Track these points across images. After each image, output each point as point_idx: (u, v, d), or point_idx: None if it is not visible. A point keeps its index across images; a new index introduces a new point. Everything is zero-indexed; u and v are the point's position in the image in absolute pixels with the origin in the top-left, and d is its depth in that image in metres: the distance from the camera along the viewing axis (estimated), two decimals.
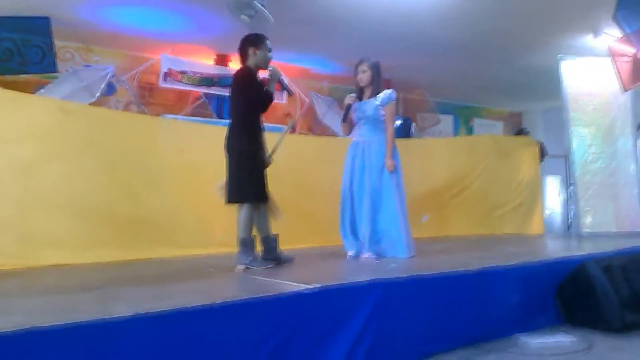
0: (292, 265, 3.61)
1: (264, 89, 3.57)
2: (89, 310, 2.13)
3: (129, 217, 4.26)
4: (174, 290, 2.75)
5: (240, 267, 3.38)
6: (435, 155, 6.42)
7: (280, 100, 7.76)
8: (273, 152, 3.71)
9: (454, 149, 6.71)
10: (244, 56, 3.61)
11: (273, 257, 3.55)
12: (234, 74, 3.67)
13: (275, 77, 3.66)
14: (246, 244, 3.43)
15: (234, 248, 3.49)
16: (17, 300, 2.55)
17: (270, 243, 3.59)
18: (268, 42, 3.63)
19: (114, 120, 4.75)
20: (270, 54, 3.63)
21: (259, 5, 3.57)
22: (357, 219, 4.09)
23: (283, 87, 3.80)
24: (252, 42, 3.61)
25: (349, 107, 4.15)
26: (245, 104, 3.52)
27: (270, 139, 3.71)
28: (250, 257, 3.41)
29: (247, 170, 3.44)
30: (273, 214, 3.67)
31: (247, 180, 3.44)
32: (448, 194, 6.35)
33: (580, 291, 3.35)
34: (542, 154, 6.72)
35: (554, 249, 5.09)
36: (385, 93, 4.11)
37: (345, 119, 4.21)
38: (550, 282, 3.48)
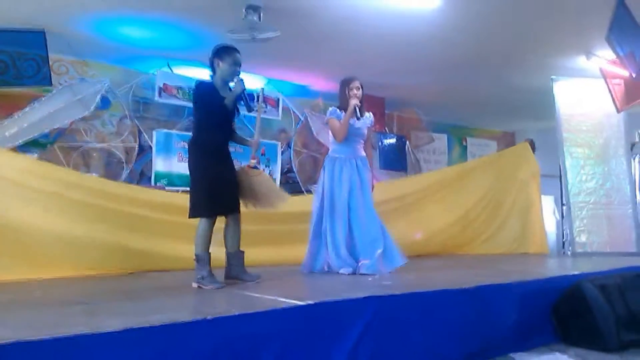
0: (281, 281, 3.56)
1: (222, 103, 3.37)
2: (78, 323, 2.08)
3: (113, 232, 4.22)
4: (162, 304, 2.70)
5: (194, 284, 3.28)
6: (430, 187, 6.29)
7: (275, 116, 7.77)
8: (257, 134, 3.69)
9: (448, 180, 6.51)
10: (211, 68, 3.50)
11: (236, 274, 3.44)
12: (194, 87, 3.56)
13: (236, 91, 3.45)
14: (199, 261, 3.29)
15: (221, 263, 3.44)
16: (3, 314, 2.50)
17: (236, 260, 3.47)
18: (238, 55, 3.45)
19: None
20: (238, 67, 3.46)
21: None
22: (347, 235, 4.05)
23: (245, 102, 3.50)
24: (216, 53, 3.45)
25: (357, 109, 4.04)
26: (199, 119, 3.46)
27: None
28: (202, 275, 3.26)
29: (199, 185, 3.33)
30: (274, 202, 3.58)
31: (199, 195, 3.32)
32: (442, 213, 6.28)
33: (576, 310, 3.32)
34: (533, 149, 6.72)
35: (550, 268, 5.06)
36: (370, 114, 4.24)
37: (358, 117, 4.06)
38: (546, 300, 3.44)
